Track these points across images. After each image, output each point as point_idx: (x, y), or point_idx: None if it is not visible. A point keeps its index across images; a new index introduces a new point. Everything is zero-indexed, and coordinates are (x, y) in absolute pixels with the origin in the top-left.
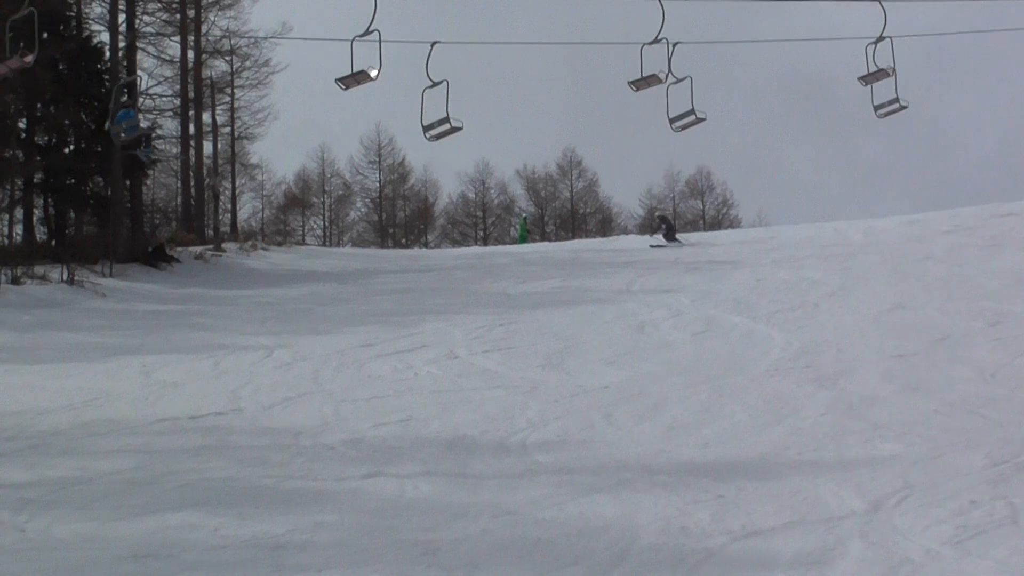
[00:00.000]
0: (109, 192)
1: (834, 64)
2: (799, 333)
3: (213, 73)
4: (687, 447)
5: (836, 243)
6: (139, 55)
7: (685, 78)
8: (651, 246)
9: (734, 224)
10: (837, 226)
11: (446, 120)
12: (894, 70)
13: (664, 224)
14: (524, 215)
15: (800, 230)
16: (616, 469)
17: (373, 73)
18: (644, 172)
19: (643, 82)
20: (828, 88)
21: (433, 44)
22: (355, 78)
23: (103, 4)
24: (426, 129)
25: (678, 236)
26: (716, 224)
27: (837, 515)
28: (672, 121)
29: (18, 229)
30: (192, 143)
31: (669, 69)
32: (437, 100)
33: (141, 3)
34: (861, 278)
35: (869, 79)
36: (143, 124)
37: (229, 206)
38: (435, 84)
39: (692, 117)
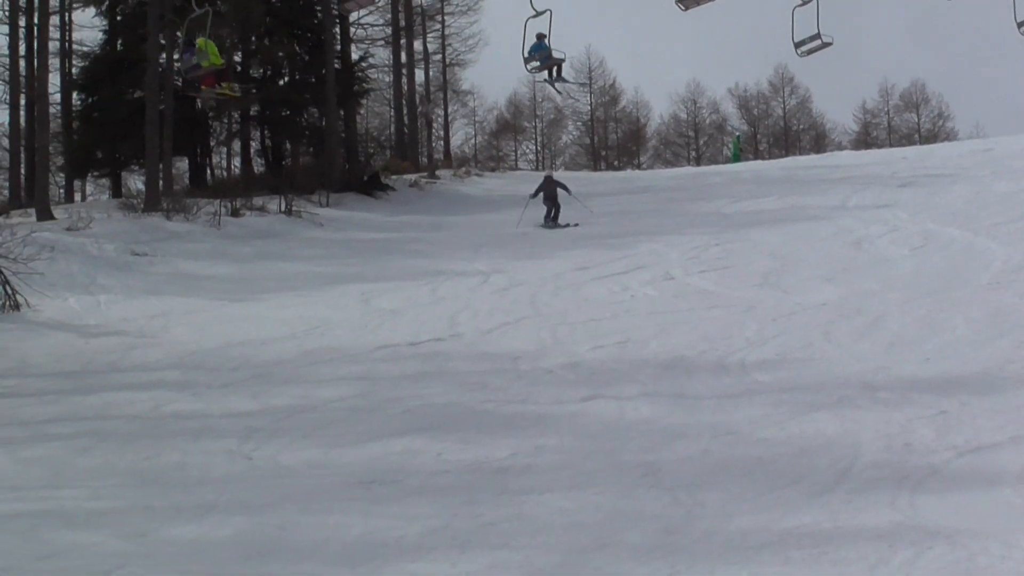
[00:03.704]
0: (324, 122)
1: None
2: (1021, 245)
3: (424, 0)
4: (908, 363)
5: None
6: None
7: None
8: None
9: (951, 137)
10: None
11: (817, 36)
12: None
13: (545, 192)
14: (737, 134)
15: (1020, 140)
16: (836, 387)
17: None
18: (857, 86)
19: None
20: None
21: None
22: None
23: None
24: (797, 46)
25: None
26: (932, 137)
27: None
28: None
29: (236, 161)
30: (404, 71)
31: None
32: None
33: None
34: None
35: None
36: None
37: (442, 133)
38: (805, 2)
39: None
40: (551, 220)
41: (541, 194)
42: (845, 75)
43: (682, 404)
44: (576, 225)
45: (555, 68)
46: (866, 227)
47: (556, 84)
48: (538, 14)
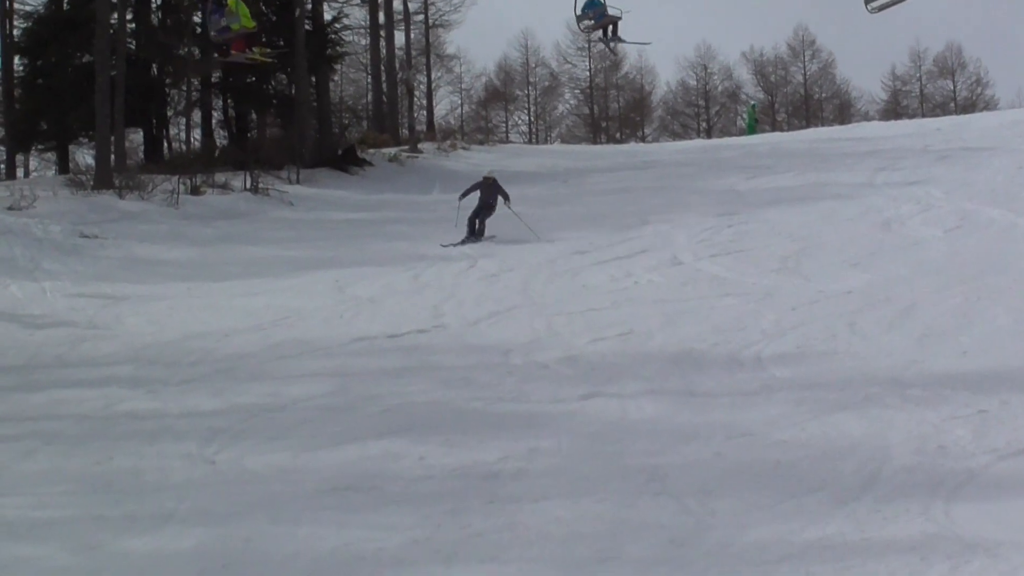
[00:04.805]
0: (293, 90)
1: None
2: None
3: None
4: (942, 357)
5: None
6: None
7: None
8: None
9: (990, 106)
10: None
11: None
12: None
13: (481, 198)
14: (752, 103)
15: None
16: (863, 383)
17: None
18: (886, 50)
19: None
20: None
21: None
22: None
23: None
24: (867, 1)
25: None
26: (970, 106)
27: None
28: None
29: (196, 133)
30: (382, 33)
31: None
32: None
33: None
34: None
35: None
36: (611, 11)
37: (424, 102)
38: None
39: None
40: (474, 235)
41: (473, 196)
42: (872, 38)
43: (691, 402)
44: (493, 237)
45: (611, 26)
46: (896, 206)
47: (612, 44)
48: None
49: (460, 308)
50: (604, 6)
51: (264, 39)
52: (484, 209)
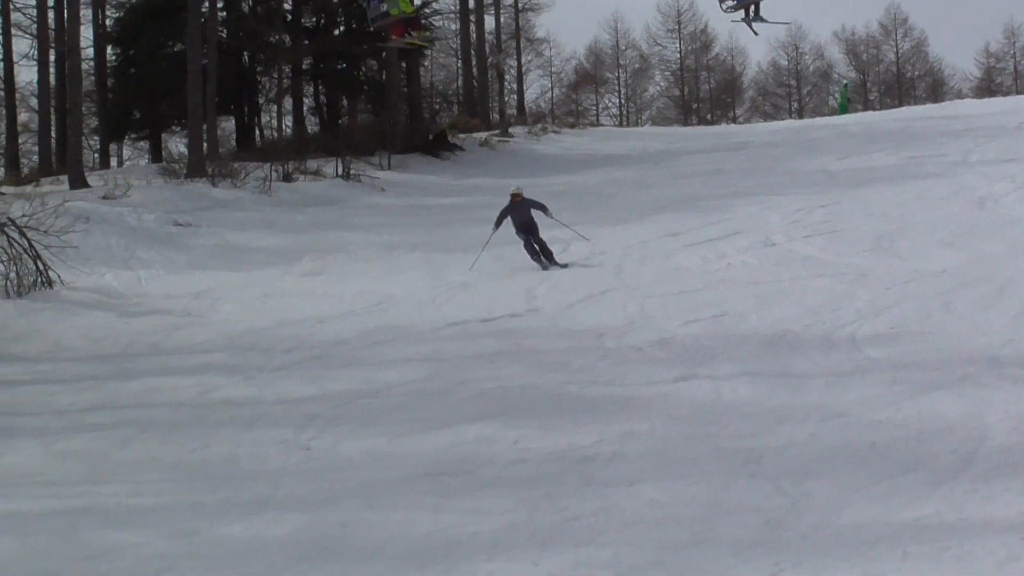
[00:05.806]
0: (384, 76)
1: None
2: None
3: None
4: None
5: None
6: None
7: None
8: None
9: None
10: None
11: None
12: None
13: (515, 221)
14: (844, 82)
15: None
16: (959, 363)
17: None
18: (980, 27)
19: None
20: None
21: None
22: None
23: None
24: None
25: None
26: None
27: None
28: None
29: (287, 121)
30: (472, 18)
31: None
32: None
33: None
34: None
35: None
36: None
37: (515, 86)
38: None
39: None
40: (542, 257)
41: (506, 223)
42: (965, 15)
43: (786, 384)
44: (566, 266)
45: (753, 6)
46: (990, 184)
47: (754, 24)
48: None
49: (553, 292)
50: None
51: (355, 24)
52: (526, 233)
